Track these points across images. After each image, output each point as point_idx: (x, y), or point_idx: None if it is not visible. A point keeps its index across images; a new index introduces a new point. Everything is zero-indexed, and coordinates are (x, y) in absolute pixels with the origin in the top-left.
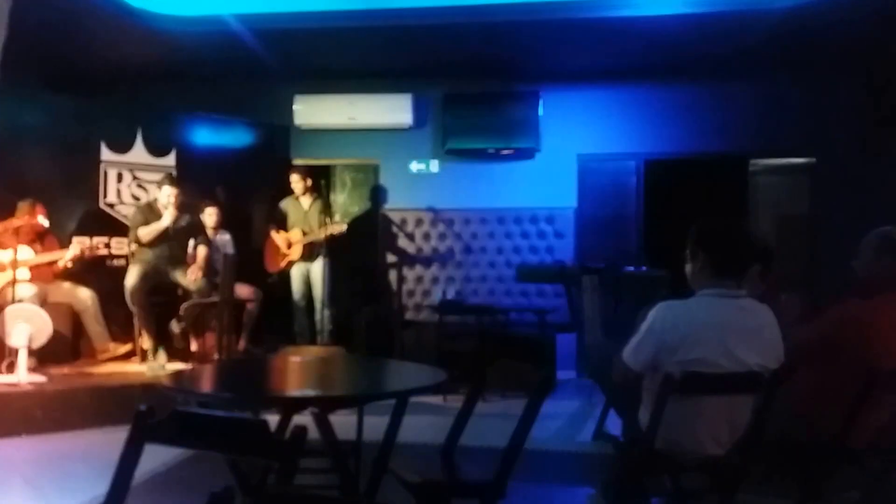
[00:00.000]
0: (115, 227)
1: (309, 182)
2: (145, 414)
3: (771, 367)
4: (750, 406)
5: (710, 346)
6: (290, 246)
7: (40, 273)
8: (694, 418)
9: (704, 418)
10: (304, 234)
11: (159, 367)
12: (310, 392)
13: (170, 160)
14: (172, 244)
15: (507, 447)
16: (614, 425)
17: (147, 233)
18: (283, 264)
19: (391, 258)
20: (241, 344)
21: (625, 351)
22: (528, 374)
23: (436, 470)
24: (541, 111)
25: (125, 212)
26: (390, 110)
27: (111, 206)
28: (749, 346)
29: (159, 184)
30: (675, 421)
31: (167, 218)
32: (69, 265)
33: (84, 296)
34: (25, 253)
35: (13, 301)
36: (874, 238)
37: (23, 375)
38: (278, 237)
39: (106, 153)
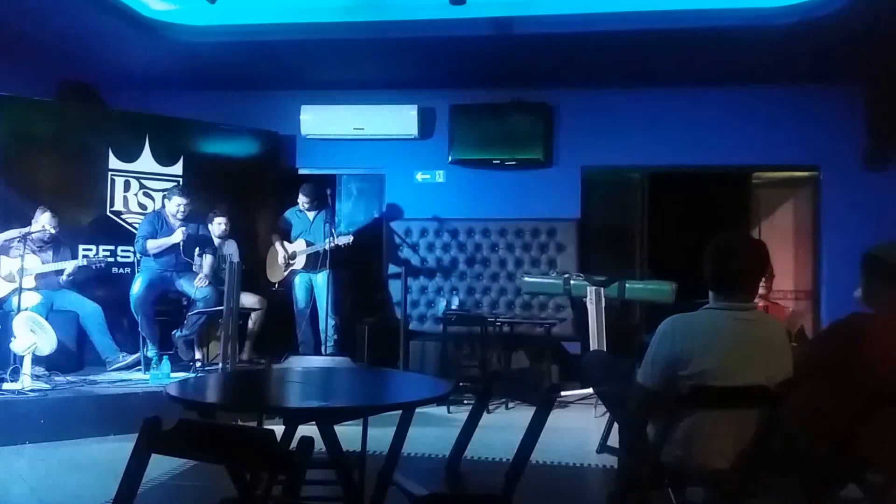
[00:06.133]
0: (122, 236)
1: (314, 202)
2: (153, 423)
3: (777, 381)
4: (755, 420)
5: (716, 360)
6: (294, 256)
7: (48, 281)
8: (699, 432)
9: (710, 432)
10: (308, 244)
11: (164, 375)
12: (314, 402)
13: (177, 169)
14: (178, 253)
15: (513, 460)
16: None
17: (157, 245)
18: (284, 274)
19: (395, 268)
20: (246, 353)
21: (639, 374)
22: (532, 386)
23: (441, 482)
24: (547, 123)
25: (132, 220)
26: (396, 121)
27: (118, 214)
28: (755, 359)
29: (167, 195)
30: (680, 434)
31: (179, 235)
32: (69, 277)
33: (90, 308)
34: (33, 261)
35: (19, 309)
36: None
37: (27, 383)
38: (280, 247)
39: (113, 161)
